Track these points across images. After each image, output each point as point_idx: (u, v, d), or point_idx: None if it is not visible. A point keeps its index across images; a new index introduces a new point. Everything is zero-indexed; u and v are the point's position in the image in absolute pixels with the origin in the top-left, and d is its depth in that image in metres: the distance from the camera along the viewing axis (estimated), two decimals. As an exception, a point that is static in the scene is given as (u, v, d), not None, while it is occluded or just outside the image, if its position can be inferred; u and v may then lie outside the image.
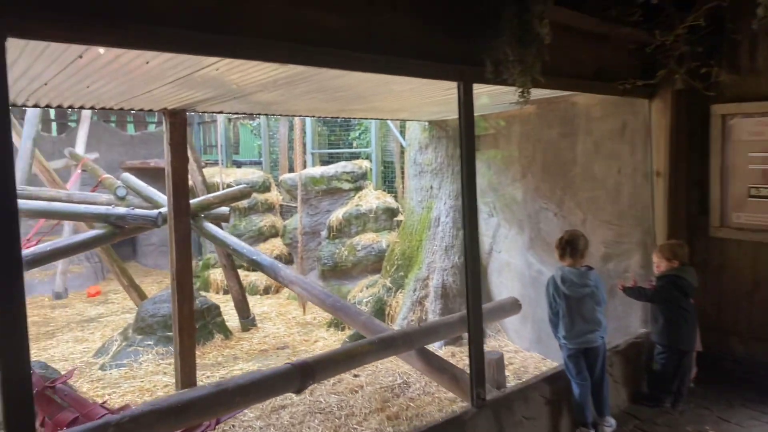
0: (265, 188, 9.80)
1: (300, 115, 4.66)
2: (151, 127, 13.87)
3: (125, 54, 2.32)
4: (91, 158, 9.94)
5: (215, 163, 11.65)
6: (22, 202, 4.64)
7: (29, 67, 2.54)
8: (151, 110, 4.08)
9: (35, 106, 3.56)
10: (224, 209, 6.04)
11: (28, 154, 6.19)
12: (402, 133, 8.06)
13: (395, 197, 8.22)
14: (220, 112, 4.41)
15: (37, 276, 10.76)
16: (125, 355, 5.85)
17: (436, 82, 3.02)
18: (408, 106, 4.48)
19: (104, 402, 3.62)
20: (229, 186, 9.39)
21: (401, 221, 6.90)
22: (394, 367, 5.11)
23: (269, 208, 9.67)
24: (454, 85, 2.80)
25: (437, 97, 4.00)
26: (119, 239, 4.73)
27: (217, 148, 12.17)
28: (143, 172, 11.40)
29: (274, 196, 9.72)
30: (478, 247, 2.95)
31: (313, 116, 4.68)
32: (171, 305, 4.21)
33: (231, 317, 7.34)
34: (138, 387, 5.16)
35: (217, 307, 6.65)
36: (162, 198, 6.05)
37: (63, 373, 4.12)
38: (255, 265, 4.94)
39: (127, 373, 5.58)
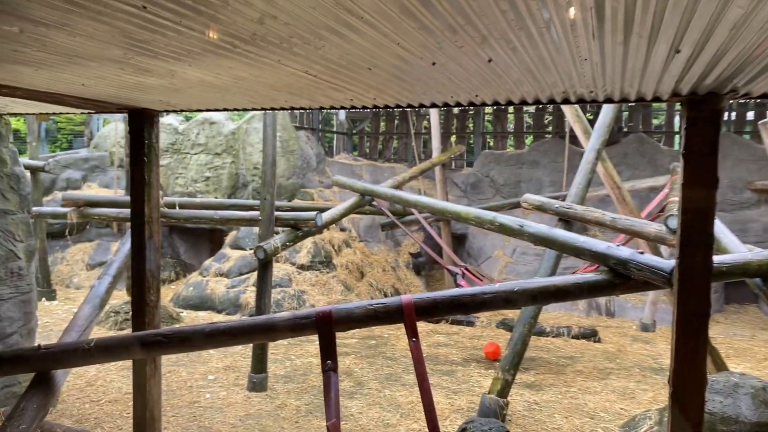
0: None
1: None
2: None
3: None
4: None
5: None
6: (512, 220, 3.99)
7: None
8: (657, 99, 2.50)
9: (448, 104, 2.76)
10: None
11: (588, 168, 5.53)
12: None
13: None
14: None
15: (631, 299, 10.25)
16: (647, 446, 4.32)
17: None
18: None
19: None
20: None
21: None
22: None
23: None
24: None
25: None
26: (622, 293, 3.33)
27: None
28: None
29: None
30: None
31: None
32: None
33: None
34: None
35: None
36: (735, 243, 4.08)
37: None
38: None
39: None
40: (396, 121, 14.38)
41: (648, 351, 7.80)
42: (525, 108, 13.54)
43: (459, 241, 12.63)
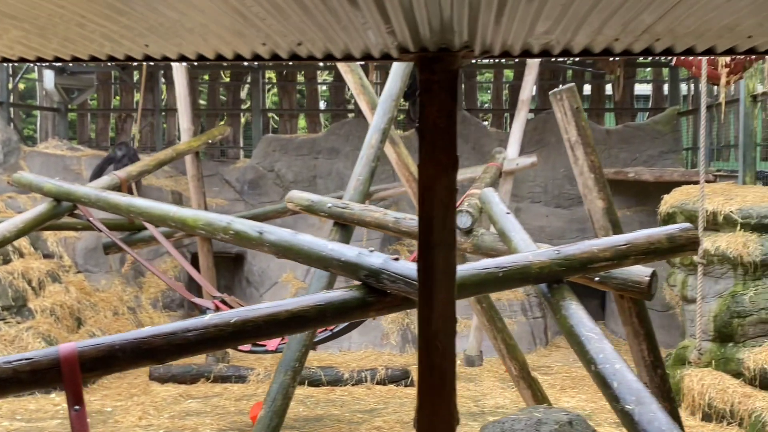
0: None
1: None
2: (641, 118, 12.62)
3: None
4: (526, 164, 9.43)
5: (730, 176, 9.41)
6: (250, 225, 4.07)
7: None
8: (388, 56, 2.68)
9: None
10: (640, 271, 4.08)
11: (371, 154, 5.83)
12: None
13: None
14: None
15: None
16: None
17: None
18: None
19: None
20: (726, 220, 7.14)
21: None
22: None
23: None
24: None
25: None
26: (379, 314, 3.54)
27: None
28: (619, 187, 10.30)
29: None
30: None
31: None
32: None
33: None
34: None
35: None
36: (526, 243, 4.59)
37: None
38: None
39: None
40: (136, 92, 13.81)
41: (470, 391, 8.48)
42: (320, 76, 13.97)
43: (236, 264, 12.52)
